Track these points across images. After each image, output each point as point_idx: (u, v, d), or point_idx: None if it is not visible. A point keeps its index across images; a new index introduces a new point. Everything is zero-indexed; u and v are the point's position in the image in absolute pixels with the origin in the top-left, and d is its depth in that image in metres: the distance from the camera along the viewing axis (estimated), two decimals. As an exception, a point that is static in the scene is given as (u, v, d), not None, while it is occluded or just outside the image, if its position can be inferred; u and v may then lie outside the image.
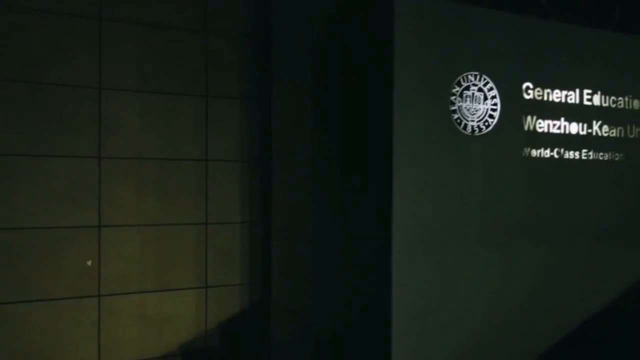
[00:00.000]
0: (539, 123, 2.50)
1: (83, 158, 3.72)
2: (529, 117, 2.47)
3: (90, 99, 3.66)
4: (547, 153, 2.52)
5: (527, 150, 2.47)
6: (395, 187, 2.15)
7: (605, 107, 2.69)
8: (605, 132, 2.69)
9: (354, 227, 2.40)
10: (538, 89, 2.50)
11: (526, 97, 2.47)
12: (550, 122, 2.53)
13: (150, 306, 3.78)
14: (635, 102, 2.79)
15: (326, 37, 2.67)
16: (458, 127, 2.31)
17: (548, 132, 2.53)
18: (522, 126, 2.46)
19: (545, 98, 2.52)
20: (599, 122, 2.67)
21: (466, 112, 2.33)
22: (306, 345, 2.71)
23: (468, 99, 2.33)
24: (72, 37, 3.64)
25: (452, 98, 2.29)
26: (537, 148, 2.49)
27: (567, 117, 2.58)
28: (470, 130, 2.33)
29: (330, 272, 2.56)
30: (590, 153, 2.64)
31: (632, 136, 2.78)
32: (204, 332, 3.76)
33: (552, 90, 2.54)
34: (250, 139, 3.62)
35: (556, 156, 2.55)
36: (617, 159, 2.72)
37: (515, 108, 2.44)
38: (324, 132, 2.62)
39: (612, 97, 2.71)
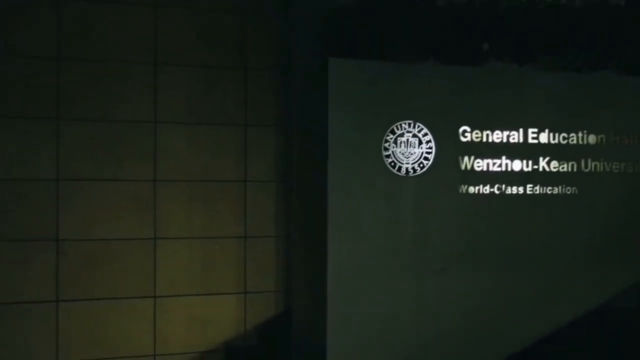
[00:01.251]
0: (477, 162, 2.76)
1: (142, 181, 4.58)
2: (465, 158, 2.75)
3: (148, 132, 4.51)
4: (486, 189, 2.77)
5: (464, 187, 2.74)
6: (330, 222, 2.57)
7: (554, 144, 2.87)
8: (555, 168, 2.86)
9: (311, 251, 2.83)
10: (476, 131, 2.77)
11: (463, 139, 2.75)
12: (489, 160, 2.78)
13: (197, 307, 4.54)
14: (591, 137, 2.92)
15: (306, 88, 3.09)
16: (392, 169, 2.66)
17: (487, 170, 2.78)
18: (459, 166, 2.74)
19: (484, 139, 2.78)
20: (547, 159, 2.85)
21: (401, 156, 2.67)
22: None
23: (402, 144, 2.67)
24: (133, 81, 4.51)
25: (386, 145, 2.65)
26: (475, 185, 2.75)
27: (509, 155, 2.81)
28: (404, 172, 2.68)
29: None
30: (537, 188, 2.84)
31: (587, 170, 2.91)
32: (243, 332, 4.39)
33: (492, 131, 2.79)
34: (284, 162, 4.19)
35: (497, 192, 2.79)
36: (569, 192, 2.88)
37: (451, 150, 2.73)
38: (311, 164, 2.92)
39: (563, 134, 2.88)
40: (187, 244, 4.65)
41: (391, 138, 2.66)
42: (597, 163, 2.94)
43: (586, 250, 2.91)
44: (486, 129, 2.79)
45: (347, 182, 2.62)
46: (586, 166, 2.92)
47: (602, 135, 2.95)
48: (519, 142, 2.83)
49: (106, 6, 4.64)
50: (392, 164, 2.66)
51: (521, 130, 2.84)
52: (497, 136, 2.80)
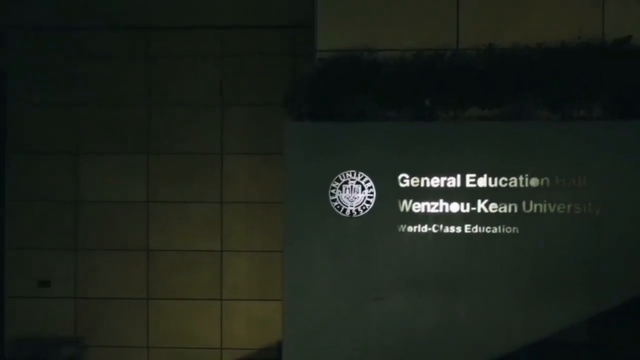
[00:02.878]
0: (416, 205, 3.18)
1: (211, 203, 5.74)
2: (404, 201, 3.19)
3: (215, 162, 5.66)
4: (424, 229, 3.18)
5: (403, 227, 3.18)
6: (286, 258, 3.21)
7: (493, 187, 3.16)
8: (494, 209, 3.16)
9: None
10: (414, 177, 3.19)
11: (402, 185, 3.19)
12: (427, 203, 3.18)
13: (255, 310, 5.63)
14: (533, 180, 3.16)
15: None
16: (338, 211, 3.21)
17: (425, 212, 3.18)
18: (399, 208, 3.19)
19: (422, 185, 3.18)
20: (485, 201, 3.16)
21: (346, 200, 3.21)
22: None
23: (347, 190, 3.21)
24: (204, 120, 5.71)
25: (332, 190, 3.21)
26: (413, 225, 3.18)
27: (446, 198, 3.18)
28: (349, 214, 3.21)
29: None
30: (475, 227, 3.16)
31: (529, 211, 3.15)
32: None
33: (430, 177, 3.18)
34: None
35: (435, 231, 3.18)
36: (509, 232, 3.15)
37: (391, 195, 3.19)
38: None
39: (503, 178, 3.16)
40: (248, 256, 5.76)
41: (337, 185, 3.20)
42: (539, 204, 3.15)
43: (528, 286, 3.14)
44: (424, 176, 3.19)
45: (300, 222, 3.23)
46: (527, 207, 3.15)
47: (546, 178, 3.15)
48: (456, 187, 3.18)
49: (185, 59, 5.76)
50: (338, 206, 3.20)
51: (459, 175, 3.18)
52: (435, 182, 3.18)
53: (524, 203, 3.15)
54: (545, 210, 3.15)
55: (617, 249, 3.12)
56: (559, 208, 3.15)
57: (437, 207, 3.18)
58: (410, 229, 3.18)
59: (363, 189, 3.19)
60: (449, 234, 3.17)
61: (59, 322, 5.92)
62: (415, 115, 3.27)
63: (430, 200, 3.18)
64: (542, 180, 3.15)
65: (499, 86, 3.25)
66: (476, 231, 3.16)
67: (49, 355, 5.82)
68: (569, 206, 3.15)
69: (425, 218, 3.18)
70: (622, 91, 3.29)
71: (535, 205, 3.15)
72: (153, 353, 5.78)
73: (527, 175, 3.16)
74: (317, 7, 3.70)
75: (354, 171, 3.20)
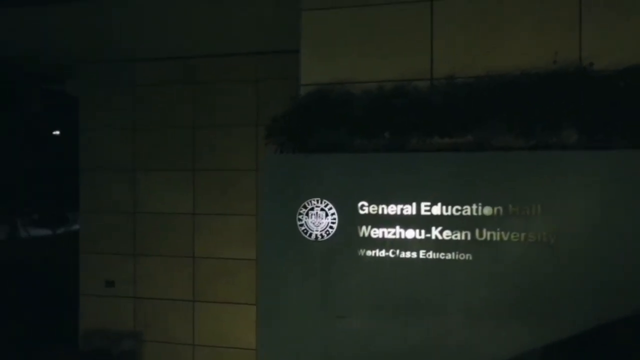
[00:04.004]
0: (374, 231, 3.42)
1: (247, 215, 6.28)
2: (363, 227, 3.43)
3: (251, 177, 6.21)
4: (382, 253, 3.40)
5: (362, 251, 3.43)
6: (261, 278, 3.60)
7: (447, 215, 3.31)
8: (447, 237, 3.31)
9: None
10: (373, 205, 3.42)
11: (361, 212, 3.44)
12: (385, 229, 3.40)
13: None
14: (487, 208, 3.26)
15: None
16: (305, 235, 3.54)
17: (383, 238, 3.40)
18: (358, 234, 3.44)
19: (380, 212, 3.41)
20: (439, 228, 3.32)
21: (312, 225, 3.52)
22: None
23: (313, 216, 3.52)
24: (240, 139, 6.36)
25: (300, 216, 3.54)
26: (372, 249, 3.42)
27: (402, 225, 3.38)
28: (314, 238, 3.52)
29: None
30: (430, 253, 3.34)
31: (482, 239, 3.27)
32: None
33: (387, 205, 3.40)
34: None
35: (391, 255, 3.39)
36: (463, 258, 3.29)
37: (351, 221, 3.45)
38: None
39: (457, 207, 3.30)
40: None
41: (304, 211, 3.52)
42: (492, 232, 3.25)
43: (482, 312, 3.25)
44: (382, 204, 3.40)
45: (273, 245, 3.59)
46: (481, 235, 3.26)
47: (499, 207, 3.24)
48: (412, 214, 3.36)
49: (225, 84, 6.35)
50: (305, 231, 3.52)
51: (414, 203, 3.36)
52: (392, 209, 3.39)
53: (477, 231, 3.26)
54: (498, 238, 3.23)
55: (571, 277, 3.13)
56: (512, 236, 3.22)
57: (394, 233, 3.38)
58: (369, 253, 3.41)
59: (327, 215, 3.48)
60: (405, 258, 3.36)
61: (121, 318, 6.75)
62: (386, 146, 3.49)
63: (387, 227, 3.39)
64: (495, 209, 3.24)
65: (464, 115, 3.37)
66: (431, 257, 3.32)
67: (112, 347, 6.67)
68: (523, 235, 3.21)
69: (382, 243, 3.39)
70: (595, 117, 3.27)
71: (489, 233, 3.25)
72: (197, 350, 6.41)
73: (480, 203, 3.26)
74: (301, 43, 4.03)
75: (318, 199, 3.50)
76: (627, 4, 3.51)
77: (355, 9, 3.93)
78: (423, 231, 3.34)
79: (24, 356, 7.30)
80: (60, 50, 6.54)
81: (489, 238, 3.25)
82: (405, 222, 3.37)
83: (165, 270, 6.60)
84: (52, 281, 7.93)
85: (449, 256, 3.30)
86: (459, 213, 3.29)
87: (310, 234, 3.51)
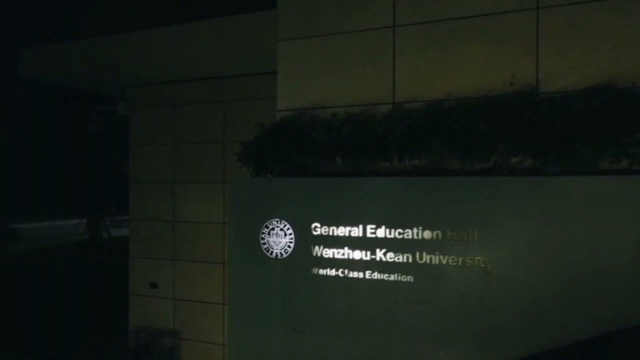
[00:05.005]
0: (325, 251, 3.63)
1: None
2: (316, 247, 3.66)
3: None
4: (332, 272, 3.61)
5: (315, 270, 3.66)
6: (230, 291, 3.95)
7: (391, 238, 3.45)
8: (390, 258, 3.45)
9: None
10: (324, 227, 3.64)
11: (314, 233, 3.67)
12: (335, 250, 3.60)
13: None
14: (426, 232, 3.37)
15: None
16: (267, 253, 3.83)
17: (333, 258, 3.61)
18: (312, 253, 3.67)
19: (331, 233, 3.62)
20: (384, 250, 3.47)
21: (273, 244, 3.81)
22: None
23: (274, 235, 3.81)
24: None
25: (263, 235, 3.84)
26: (323, 268, 3.64)
27: (350, 246, 3.56)
28: (274, 255, 3.80)
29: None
30: (375, 274, 3.49)
31: (423, 262, 3.37)
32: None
33: (337, 227, 3.60)
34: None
35: (341, 275, 3.59)
36: (404, 280, 3.42)
37: (306, 241, 3.69)
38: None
39: (399, 230, 3.43)
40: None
41: (266, 231, 3.82)
42: (432, 256, 3.34)
43: (421, 332, 3.36)
44: (332, 225, 3.61)
45: (239, 261, 3.92)
46: (421, 258, 3.37)
47: (438, 231, 3.33)
48: (359, 236, 3.53)
49: (251, 101, 6.76)
50: (267, 249, 3.81)
51: (361, 226, 3.53)
52: (341, 231, 3.58)
53: (417, 254, 3.37)
54: (437, 262, 3.32)
55: (505, 303, 3.16)
56: (450, 260, 3.29)
57: (343, 254, 3.57)
58: (321, 271, 3.63)
59: (285, 235, 3.74)
60: (353, 278, 3.54)
61: (162, 317, 7.39)
62: (343, 170, 3.70)
63: (337, 247, 3.59)
64: (435, 233, 3.33)
65: (405, 142, 3.50)
66: (376, 277, 3.47)
67: (155, 344, 7.32)
68: (460, 259, 3.27)
69: (333, 263, 3.59)
70: (533, 141, 3.26)
71: (428, 257, 3.35)
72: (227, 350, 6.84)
73: (420, 227, 3.37)
74: (277, 71, 4.31)
75: (278, 219, 3.77)
76: (582, 26, 3.43)
77: (324, 38, 4.14)
78: (369, 252, 3.50)
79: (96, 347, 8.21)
80: (114, 75, 7.29)
81: (428, 261, 3.35)
82: (353, 243, 3.55)
83: (199, 274, 7.15)
84: (118, 280, 8.78)
85: (392, 277, 3.44)
86: (401, 236, 3.42)
87: (272, 252, 3.79)
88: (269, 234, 3.80)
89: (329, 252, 3.62)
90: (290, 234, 3.73)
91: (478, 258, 3.23)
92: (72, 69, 7.07)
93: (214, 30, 5.97)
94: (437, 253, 3.33)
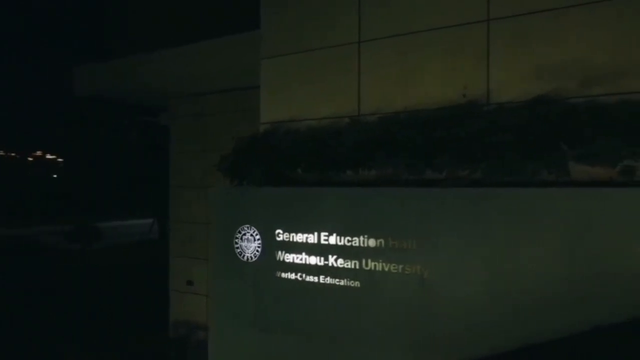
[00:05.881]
0: (287, 256, 3.89)
1: None
2: (279, 252, 3.93)
3: None
4: (292, 276, 3.86)
5: (279, 273, 3.93)
6: (211, 292, 4.31)
7: (341, 245, 3.65)
8: (341, 264, 3.65)
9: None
10: (286, 233, 3.90)
11: (278, 239, 3.94)
12: (294, 255, 3.85)
13: None
14: (371, 240, 3.54)
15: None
16: (240, 257, 4.15)
17: (293, 262, 3.86)
18: (276, 258, 3.95)
19: (291, 239, 3.87)
20: (335, 256, 3.68)
21: (245, 248, 4.13)
22: None
23: (246, 240, 4.13)
24: None
25: (236, 240, 4.17)
26: (285, 272, 3.90)
27: (307, 252, 3.79)
28: (246, 259, 4.12)
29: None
30: (328, 279, 3.71)
31: (368, 268, 3.55)
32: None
33: (296, 234, 3.85)
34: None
35: (299, 279, 3.83)
36: (353, 285, 3.61)
37: (271, 246, 3.97)
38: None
39: (347, 237, 3.62)
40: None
41: (239, 236, 4.14)
42: (376, 263, 3.50)
43: (365, 336, 3.53)
44: (292, 232, 3.86)
45: (218, 264, 4.27)
46: (367, 265, 3.53)
47: (381, 240, 3.48)
48: (314, 243, 3.76)
49: None
50: (240, 253, 4.13)
51: (316, 233, 3.75)
52: (300, 237, 3.82)
53: (364, 261, 3.54)
54: (380, 269, 3.48)
55: (441, 310, 3.25)
56: (392, 268, 3.43)
57: (301, 259, 3.81)
58: (283, 275, 3.89)
59: (254, 240, 4.04)
60: (309, 282, 3.77)
61: (197, 312, 7.92)
62: (313, 181, 3.95)
63: (296, 253, 3.83)
64: (378, 241, 3.48)
65: (361, 154, 3.68)
66: (328, 282, 3.68)
67: (191, 336, 7.88)
68: (400, 267, 3.41)
69: (292, 267, 3.84)
70: (471, 152, 3.33)
71: (373, 264, 3.51)
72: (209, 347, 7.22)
73: (366, 235, 3.53)
74: (260, 87, 4.61)
75: (249, 225, 4.07)
76: (530, 36, 3.44)
77: (300, 54, 4.39)
78: (322, 258, 3.72)
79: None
80: (156, 88, 7.94)
81: (373, 268, 3.51)
82: (309, 249, 3.78)
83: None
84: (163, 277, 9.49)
85: (342, 282, 3.63)
86: (349, 243, 3.60)
87: (244, 256, 4.10)
88: (241, 239, 4.11)
89: (289, 257, 3.87)
90: (258, 239, 4.02)
91: (416, 266, 3.34)
92: (120, 84, 7.78)
93: (234, 45, 6.37)
94: (380, 260, 3.48)
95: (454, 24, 3.72)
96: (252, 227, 4.06)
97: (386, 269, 3.46)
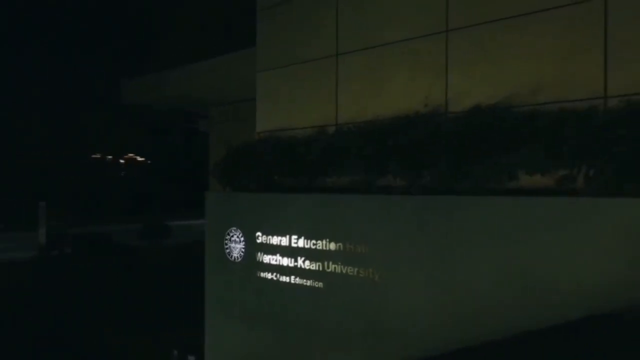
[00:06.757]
0: (265, 257, 4.19)
1: None
2: (259, 253, 4.23)
3: None
4: (269, 276, 4.16)
5: (259, 273, 4.24)
6: (206, 287, 4.72)
7: (308, 248, 3.89)
8: (308, 266, 3.89)
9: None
10: (264, 236, 4.19)
11: (258, 241, 4.24)
12: (271, 256, 4.14)
13: None
14: (332, 244, 3.75)
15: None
16: (229, 257, 4.51)
17: (269, 263, 4.15)
18: (256, 258, 4.26)
19: (268, 242, 4.16)
20: (303, 258, 3.93)
21: (232, 249, 4.48)
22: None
23: (233, 242, 4.48)
24: None
25: (225, 241, 4.53)
26: (263, 272, 4.20)
27: (281, 254, 4.07)
28: (233, 259, 4.46)
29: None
30: (297, 279, 3.97)
31: (330, 270, 3.77)
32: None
33: (272, 236, 4.14)
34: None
35: (275, 279, 4.12)
36: (317, 285, 3.84)
37: (253, 248, 4.28)
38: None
39: (313, 241, 3.86)
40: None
41: (228, 237, 4.49)
42: (336, 265, 3.71)
43: (326, 332, 3.75)
44: (269, 235, 4.15)
45: (211, 262, 4.65)
46: (328, 267, 3.75)
47: (340, 244, 3.68)
48: (286, 246, 4.03)
49: None
50: (228, 253, 4.49)
51: (287, 237, 4.02)
52: (275, 240, 4.11)
53: (326, 263, 3.77)
54: (339, 271, 3.68)
55: (390, 311, 3.41)
56: (349, 270, 3.63)
57: (276, 260, 4.09)
58: (262, 274, 4.19)
59: (240, 241, 4.38)
60: (282, 281, 4.04)
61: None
62: (292, 186, 4.23)
63: (272, 254, 4.12)
64: (337, 245, 3.69)
65: (325, 162, 3.90)
66: (298, 282, 3.94)
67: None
68: (356, 269, 3.60)
69: (269, 267, 4.14)
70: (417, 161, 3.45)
71: (333, 266, 3.72)
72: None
73: (327, 239, 3.75)
74: (256, 98, 4.93)
75: (235, 228, 4.41)
76: (485, 47, 3.51)
77: (288, 68, 4.67)
78: (292, 260, 3.97)
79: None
80: (196, 98, 8.52)
81: (333, 270, 3.72)
82: (282, 251, 4.05)
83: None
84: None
85: (308, 283, 3.87)
86: (314, 247, 3.83)
87: (231, 256, 4.45)
88: (230, 240, 4.46)
89: (267, 258, 4.16)
90: (243, 241, 4.35)
91: (368, 270, 3.52)
92: (163, 93, 8.42)
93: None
94: (339, 263, 3.68)
95: (416, 35, 3.84)
96: (238, 230, 4.39)
97: (344, 272, 3.65)
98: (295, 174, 4.09)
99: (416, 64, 3.83)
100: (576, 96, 3.11)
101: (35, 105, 25.54)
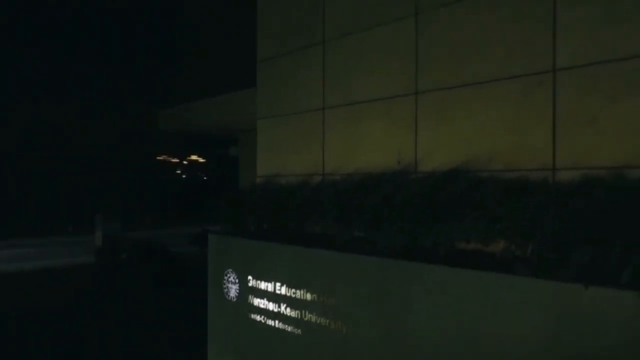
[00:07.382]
0: (255, 300, 4.49)
1: None
2: (250, 296, 4.54)
3: None
4: (257, 317, 4.46)
5: (250, 314, 4.55)
6: (209, 322, 5.08)
7: (289, 296, 4.15)
8: (289, 313, 4.16)
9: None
10: (255, 280, 4.49)
11: (249, 284, 4.55)
12: (260, 300, 4.43)
13: None
14: (308, 294, 4.00)
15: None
16: (226, 296, 4.84)
17: (258, 306, 4.45)
18: (248, 300, 4.57)
19: (257, 286, 4.46)
20: (285, 305, 4.19)
21: (230, 289, 4.81)
22: None
23: (230, 282, 4.81)
24: None
25: (224, 282, 4.87)
26: (253, 314, 4.50)
27: (268, 299, 4.35)
28: (230, 298, 4.80)
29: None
30: (280, 324, 4.24)
31: (307, 319, 4.01)
32: None
33: (261, 282, 4.43)
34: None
35: (262, 321, 4.41)
36: (296, 332, 4.10)
37: (245, 290, 4.60)
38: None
39: (293, 290, 4.12)
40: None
41: (226, 279, 4.83)
42: (311, 315, 3.95)
43: None
44: (258, 280, 4.44)
45: (212, 299, 5.00)
46: (305, 316, 4.00)
47: (315, 295, 3.92)
48: (272, 292, 4.30)
49: None
50: (226, 293, 4.82)
51: (273, 283, 4.29)
52: (263, 286, 4.39)
53: (303, 311, 4.01)
54: (314, 321, 3.92)
55: None
56: (322, 320, 3.86)
57: (263, 304, 4.38)
58: (252, 316, 4.49)
59: (235, 283, 4.70)
60: (269, 324, 4.32)
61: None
62: (277, 233, 4.52)
63: (260, 298, 4.41)
64: (313, 295, 3.93)
65: (304, 213, 4.15)
66: (281, 327, 4.21)
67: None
68: (327, 321, 3.82)
69: (258, 310, 4.43)
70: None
71: (309, 315, 3.96)
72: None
73: (305, 289, 4.00)
74: (257, 145, 5.23)
75: (231, 269, 4.74)
76: (449, 109, 3.64)
77: (283, 117, 4.93)
78: (277, 305, 4.24)
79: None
80: (225, 125, 8.95)
81: (309, 319, 3.96)
82: (268, 296, 4.33)
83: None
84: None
85: (289, 329, 4.13)
86: (294, 295, 4.09)
87: (229, 295, 4.78)
88: (227, 280, 4.79)
89: (256, 301, 4.45)
90: (237, 283, 4.66)
91: (338, 322, 3.73)
92: (196, 121, 8.91)
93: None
94: (314, 313, 3.92)
95: (389, 95, 4.01)
96: (234, 272, 4.71)
97: (319, 322, 3.88)
98: (281, 220, 4.35)
99: (391, 123, 3.99)
100: (527, 166, 3.20)
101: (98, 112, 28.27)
